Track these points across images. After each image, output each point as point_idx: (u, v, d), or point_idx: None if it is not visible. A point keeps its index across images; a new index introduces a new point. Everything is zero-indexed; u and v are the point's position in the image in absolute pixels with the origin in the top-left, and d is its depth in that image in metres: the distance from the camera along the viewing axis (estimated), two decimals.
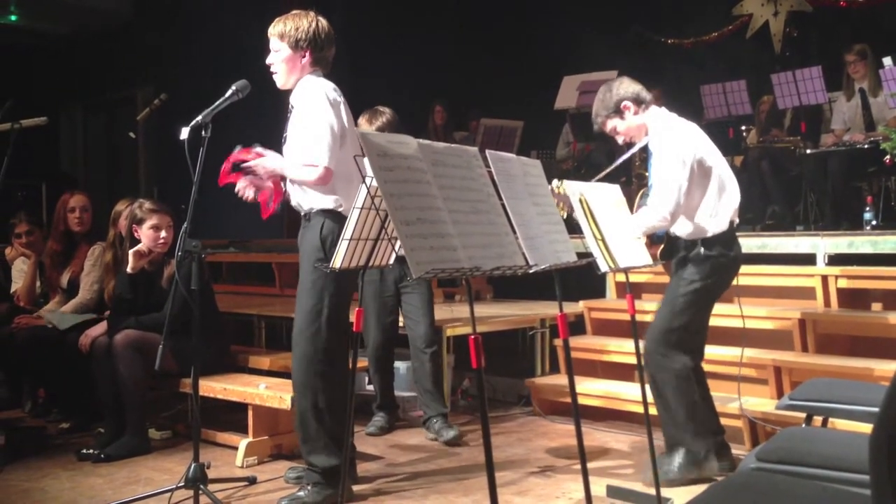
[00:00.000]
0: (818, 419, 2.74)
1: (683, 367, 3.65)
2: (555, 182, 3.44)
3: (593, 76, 7.42)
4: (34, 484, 3.82)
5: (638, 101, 3.76)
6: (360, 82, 6.64)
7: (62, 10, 10.57)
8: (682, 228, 3.73)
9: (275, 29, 3.49)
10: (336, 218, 3.37)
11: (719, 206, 3.68)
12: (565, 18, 8.42)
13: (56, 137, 11.94)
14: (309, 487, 3.44)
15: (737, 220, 3.78)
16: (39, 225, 5.53)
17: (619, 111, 3.77)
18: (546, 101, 7.82)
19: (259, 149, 3.47)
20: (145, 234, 4.35)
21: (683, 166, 3.60)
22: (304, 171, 3.37)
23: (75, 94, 11.79)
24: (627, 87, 3.78)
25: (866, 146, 6.00)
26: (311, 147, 3.35)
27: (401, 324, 4.71)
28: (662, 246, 3.83)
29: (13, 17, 10.46)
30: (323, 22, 3.50)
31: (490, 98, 8.85)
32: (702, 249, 3.67)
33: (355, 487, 3.63)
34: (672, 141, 3.65)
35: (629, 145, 3.95)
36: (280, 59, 3.48)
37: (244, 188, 3.49)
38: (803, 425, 2.70)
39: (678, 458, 3.67)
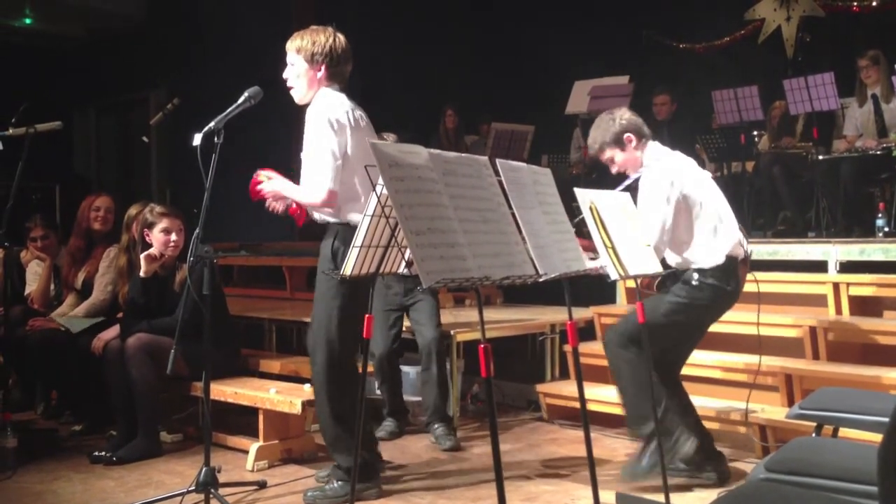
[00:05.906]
0: (829, 428, 2.73)
1: (637, 356, 3.59)
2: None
3: (605, 81, 7.41)
4: (46, 486, 3.85)
5: (640, 135, 3.76)
6: (372, 86, 6.66)
7: (76, 13, 10.64)
8: (672, 260, 3.74)
9: (292, 44, 3.53)
10: (348, 230, 3.39)
11: (715, 243, 3.64)
12: (577, 23, 8.42)
13: (69, 140, 11.99)
14: (335, 483, 3.55)
15: (741, 254, 3.68)
16: (54, 228, 5.56)
17: (620, 142, 3.75)
18: (557, 106, 7.82)
19: (267, 172, 3.56)
20: (156, 237, 4.38)
21: (667, 203, 3.60)
22: (308, 194, 3.45)
23: (89, 97, 11.86)
24: (631, 118, 3.77)
25: (878, 152, 5.98)
26: (313, 171, 3.41)
27: (408, 327, 4.73)
28: (659, 279, 3.81)
29: (28, 21, 10.53)
30: (340, 38, 3.54)
31: (501, 102, 8.85)
32: (695, 275, 3.65)
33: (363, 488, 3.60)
34: (656, 179, 3.65)
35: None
36: (295, 74, 3.54)
37: (272, 204, 3.60)
38: (813, 435, 2.69)
39: (650, 449, 3.61)
